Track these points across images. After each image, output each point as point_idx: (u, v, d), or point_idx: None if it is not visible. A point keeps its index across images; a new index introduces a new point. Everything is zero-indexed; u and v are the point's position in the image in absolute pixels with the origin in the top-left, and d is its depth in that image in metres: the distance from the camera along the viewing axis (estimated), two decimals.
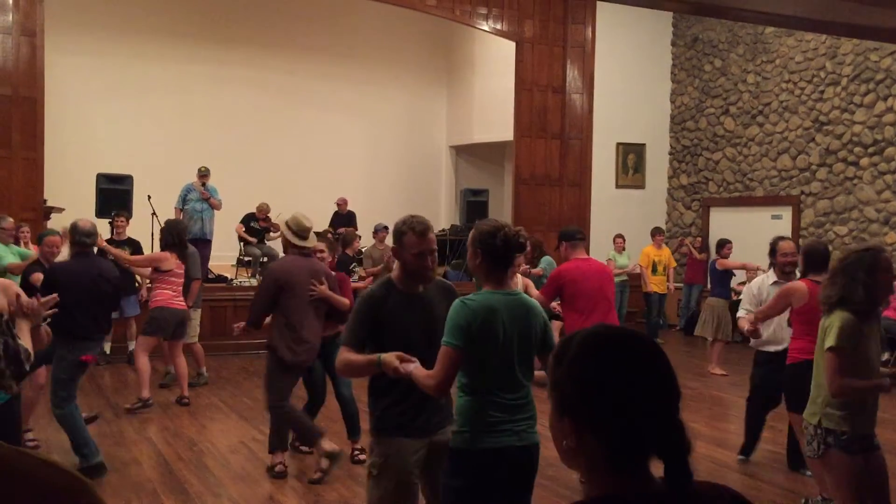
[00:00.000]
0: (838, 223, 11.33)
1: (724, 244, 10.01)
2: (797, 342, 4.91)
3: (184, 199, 10.89)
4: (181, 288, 7.34)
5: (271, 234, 12.27)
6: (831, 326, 3.50)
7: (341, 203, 12.94)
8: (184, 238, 7.40)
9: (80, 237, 5.46)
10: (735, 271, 9.77)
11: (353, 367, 3.11)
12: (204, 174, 10.94)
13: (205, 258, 11.02)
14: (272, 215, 12.39)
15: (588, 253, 12.03)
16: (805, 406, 3.72)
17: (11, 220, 8.15)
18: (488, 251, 2.93)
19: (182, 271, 7.34)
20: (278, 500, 4.99)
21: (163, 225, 7.83)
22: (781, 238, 5.77)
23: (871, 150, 10.91)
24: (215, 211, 11.04)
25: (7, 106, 10.01)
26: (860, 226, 11.03)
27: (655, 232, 11.82)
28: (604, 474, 1.21)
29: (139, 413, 7.04)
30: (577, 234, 5.59)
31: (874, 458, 3.54)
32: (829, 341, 3.48)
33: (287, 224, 5.34)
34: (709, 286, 10.32)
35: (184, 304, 7.39)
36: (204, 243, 10.91)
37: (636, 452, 1.20)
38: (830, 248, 11.32)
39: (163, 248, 7.35)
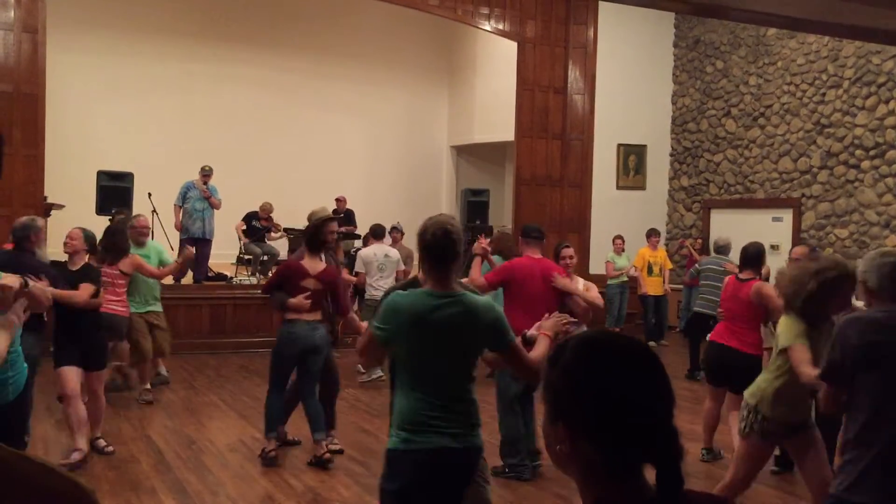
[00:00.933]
0: (839, 226, 11.32)
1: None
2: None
3: (184, 197, 10.88)
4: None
5: (272, 234, 12.27)
6: (783, 328, 3.82)
7: (340, 201, 12.94)
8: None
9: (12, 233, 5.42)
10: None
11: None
12: (207, 173, 10.93)
13: (205, 257, 11.05)
14: (274, 215, 12.38)
15: (589, 252, 11.95)
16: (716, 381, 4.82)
17: (144, 216, 7.88)
18: (422, 248, 2.94)
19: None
20: (277, 500, 4.99)
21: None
22: (799, 244, 6.36)
23: (872, 153, 10.90)
24: (215, 210, 11.02)
25: (8, 103, 10.00)
26: (861, 229, 11.02)
27: (651, 233, 11.79)
28: (598, 480, 1.21)
29: (137, 411, 7.04)
30: (533, 232, 5.72)
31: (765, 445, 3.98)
32: (784, 341, 3.78)
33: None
34: None
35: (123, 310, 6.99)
36: (204, 242, 10.92)
37: (630, 458, 1.20)
38: (831, 250, 11.38)
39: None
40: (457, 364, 2.88)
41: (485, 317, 2.90)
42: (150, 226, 8.21)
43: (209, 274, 11.37)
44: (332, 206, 12.78)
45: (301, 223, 10.96)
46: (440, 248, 2.88)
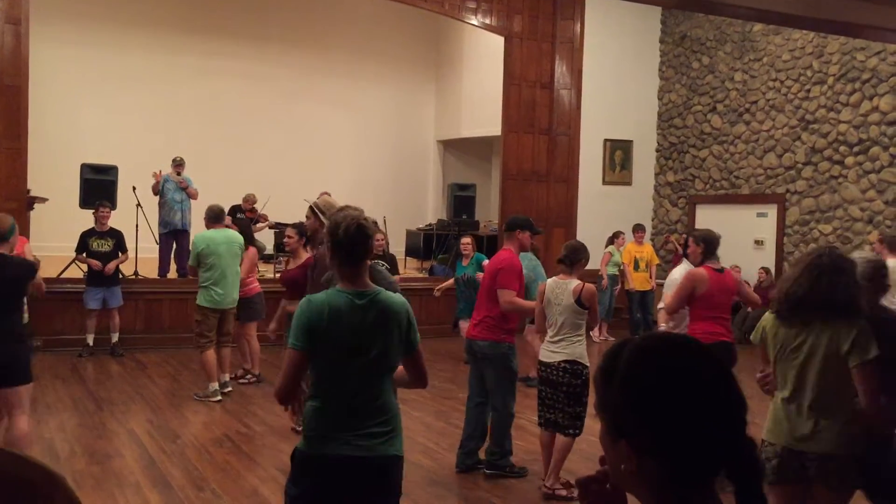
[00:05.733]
0: (823, 221, 11.40)
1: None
2: (702, 325, 5.15)
3: (160, 191, 10.76)
4: None
5: (257, 225, 12.19)
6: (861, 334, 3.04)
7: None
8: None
9: None
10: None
11: None
12: (179, 163, 10.78)
13: (184, 249, 10.92)
14: (261, 208, 12.30)
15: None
16: None
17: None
18: (335, 246, 2.82)
19: None
20: (262, 494, 4.97)
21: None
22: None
23: (856, 149, 10.97)
24: (192, 201, 10.89)
25: None
26: (844, 224, 11.10)
27: (636, 228, 11.87)
28: (669, 497, 1.11)
29: (121, 405, 7.00)
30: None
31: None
32: (874, 351, 3.00)
33: (317, 206, 4.82)
34: None
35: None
36: (183, 234, 10.82)
37: (705, 473, 1.11)
38: (814, 245, 11.45)
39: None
40: (375, 363, 2.79)
41: (404, 316, 2.85)
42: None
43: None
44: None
45: (288, 217, 10.91)
46: (355, 247, 2.79)
